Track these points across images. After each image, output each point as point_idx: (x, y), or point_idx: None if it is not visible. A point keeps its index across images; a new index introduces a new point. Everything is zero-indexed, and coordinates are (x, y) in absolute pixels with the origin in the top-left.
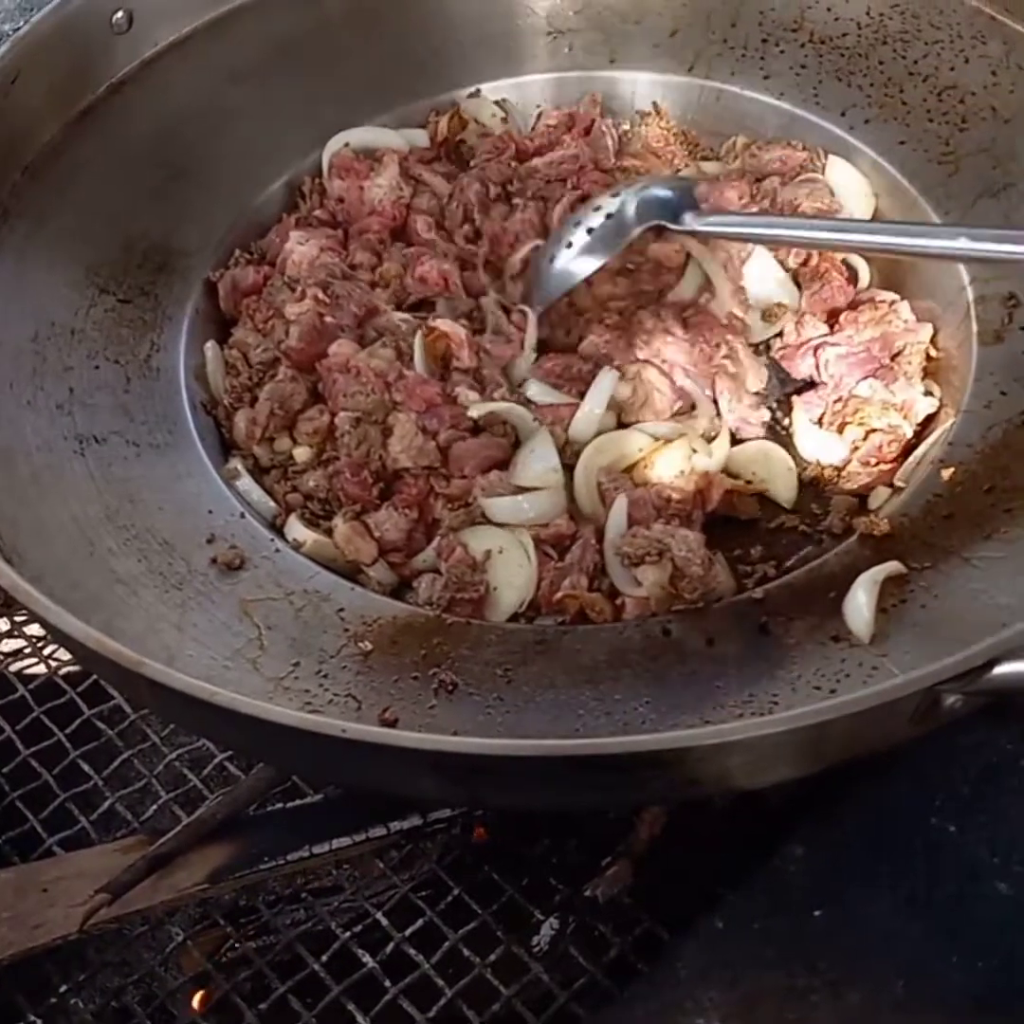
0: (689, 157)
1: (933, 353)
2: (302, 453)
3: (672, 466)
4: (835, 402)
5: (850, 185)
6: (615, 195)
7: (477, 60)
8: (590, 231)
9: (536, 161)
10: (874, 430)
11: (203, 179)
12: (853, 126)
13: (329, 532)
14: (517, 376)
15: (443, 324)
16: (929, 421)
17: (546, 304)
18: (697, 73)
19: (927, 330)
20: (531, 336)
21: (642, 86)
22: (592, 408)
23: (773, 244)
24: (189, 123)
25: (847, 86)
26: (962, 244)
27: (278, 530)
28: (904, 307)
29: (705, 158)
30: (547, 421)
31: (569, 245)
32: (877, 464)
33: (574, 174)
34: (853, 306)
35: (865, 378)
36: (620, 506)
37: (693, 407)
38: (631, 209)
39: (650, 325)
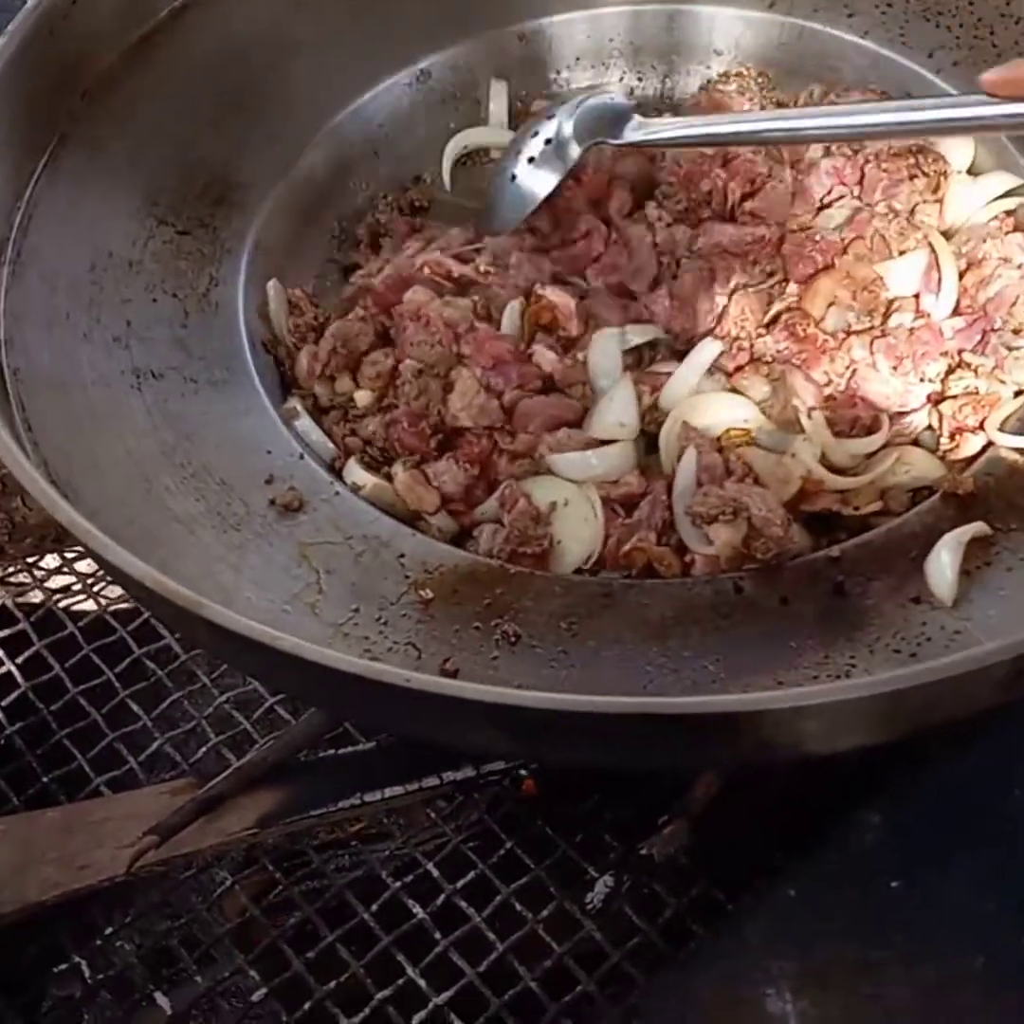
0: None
1: None
2: (363, 397)
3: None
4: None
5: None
6: (550, 117)
7: None
8: (531, 160)
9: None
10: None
11: (264, 109)
12: (940, 68)
13: (389, 477)
14: (621, 346)
15: (553, 295)
16: None
17: (503, 230)
18: (778, 9)
19: None
20: None
21: (722, 21)
22: (686, 375)
23: (721, 144)
24: (251, 51)
25: (935, 27)
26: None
27: (337, 473)
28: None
29: (780, 104)
30: (640, 384)
31: (513, 177)
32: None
33: None
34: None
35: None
36: (689, 460)
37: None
38: (568, 130)
39: (859, 355)
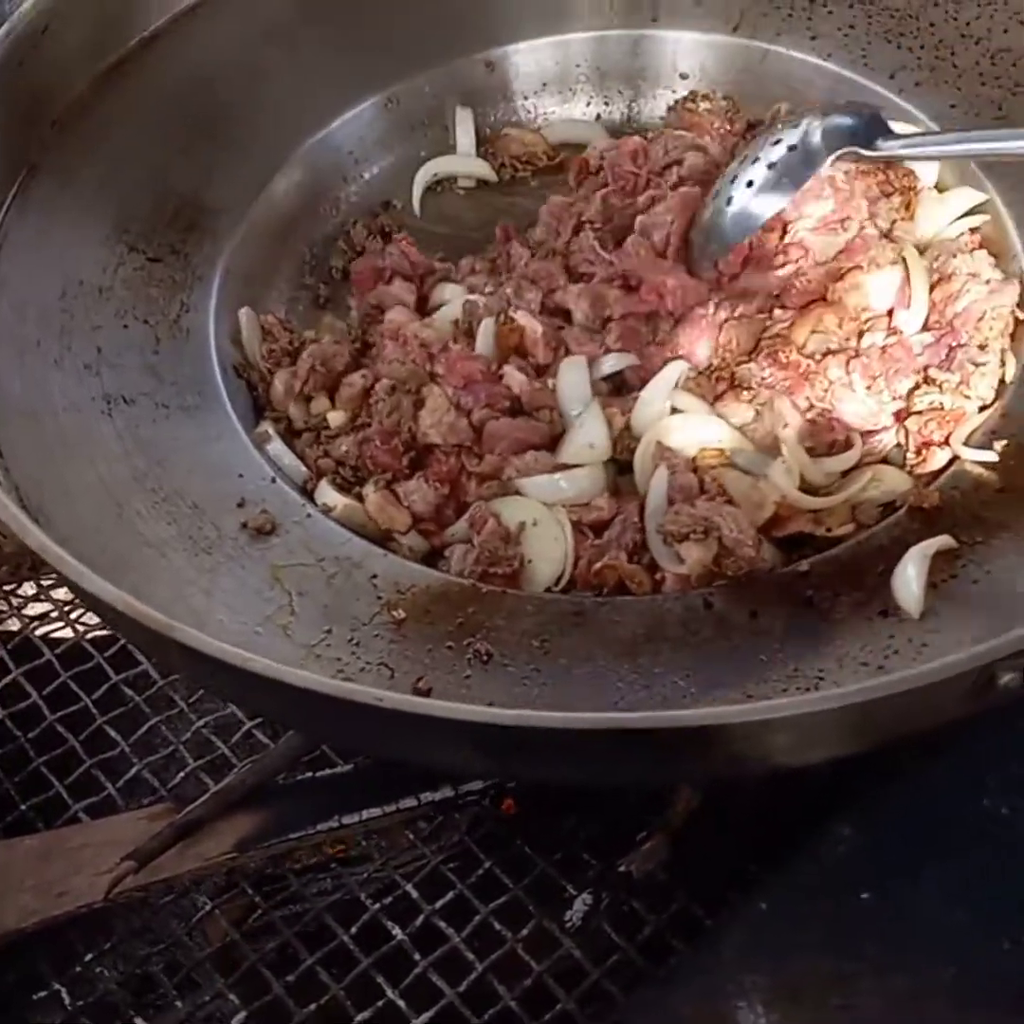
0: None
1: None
2: (337, 417)
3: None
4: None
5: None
6: (795, 125)
7: (516, 17)
8: (771, 166)
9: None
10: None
11: (235, 136)
12: (903, 89)
13: (360, 498)
14: (596, 374)
15: (522, 318)
16: None
17: (726, 252)
18: (742, 33)
19: (1013, 291)
20: None
21: (686, 45)
22: (653, 396)
23: (997, 157)
24: (221, 79)
25: (897, 48)
26: None
27: (309, 495)
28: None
29: (750, 124)
30: (610, 407)
31: (749, 183)
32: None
33: None
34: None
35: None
36: (660, 479)
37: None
38: (817, 138)
39: (835, 375)
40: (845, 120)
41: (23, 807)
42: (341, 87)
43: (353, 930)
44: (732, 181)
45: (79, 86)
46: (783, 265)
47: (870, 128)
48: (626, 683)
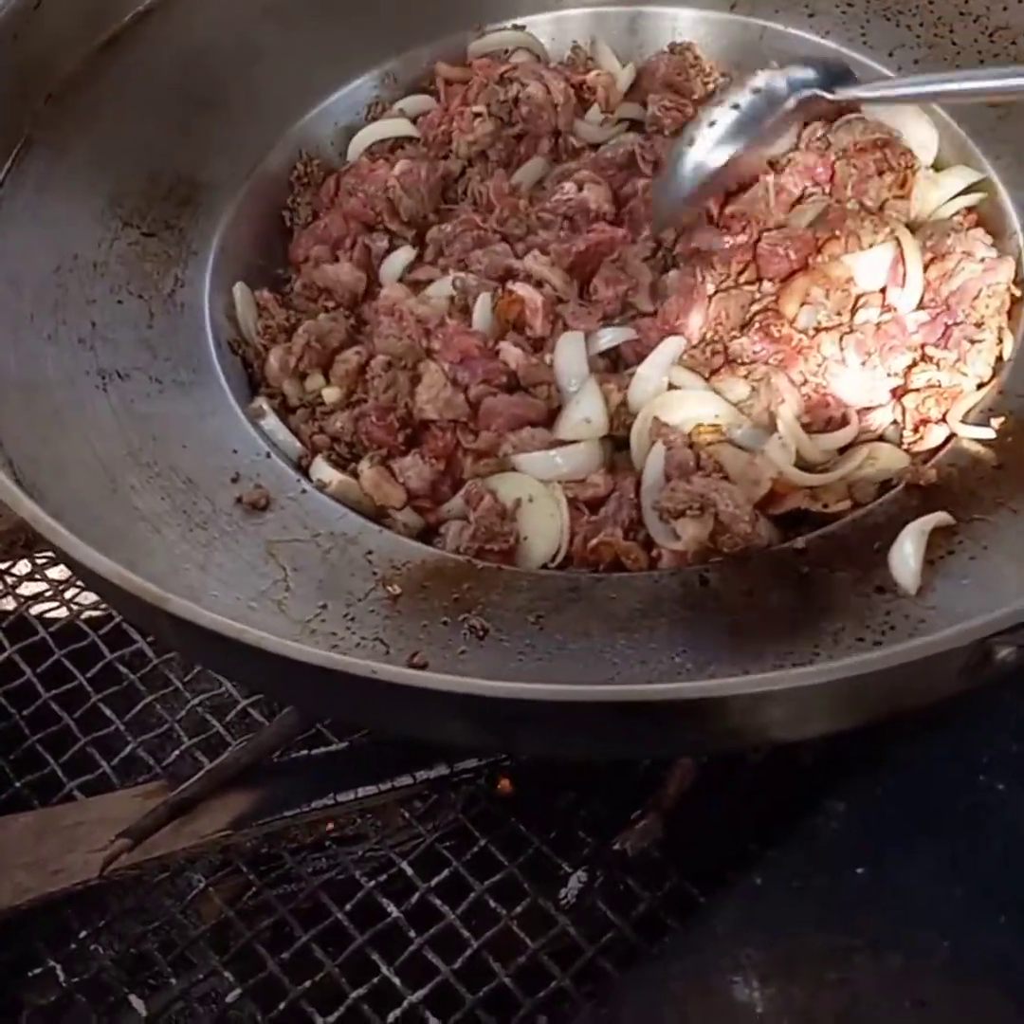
0: (706, 87)
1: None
2: (332, 393)
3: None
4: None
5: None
6: (761, 72)
7: None
8: (736, 107)
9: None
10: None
11: (229, 112)
12: (901, 66)
13: (355, 474)
14: (593, 349)
15: (521, 288)
16: None
17: (682, 196)
18: (740, 10)
19: (1008, 267)
20: None
21: (683, 22)
22: (650, 372)
23: (954, 100)
24: (216, 55)
25: (896, 26)
26: None
27: (304, 471)
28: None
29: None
30: (607, 384)
31: (711, 123)
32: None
33: None
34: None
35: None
36: (657, 455)
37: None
38: (781, 82)
39: (828, 351)
40: (809, 68)
41: (18, 785)
42: (336, 62)
43: (348, 907)
44: (696, 124)
45: (74, 61)
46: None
47: (834, 75)
48: (622, 658)
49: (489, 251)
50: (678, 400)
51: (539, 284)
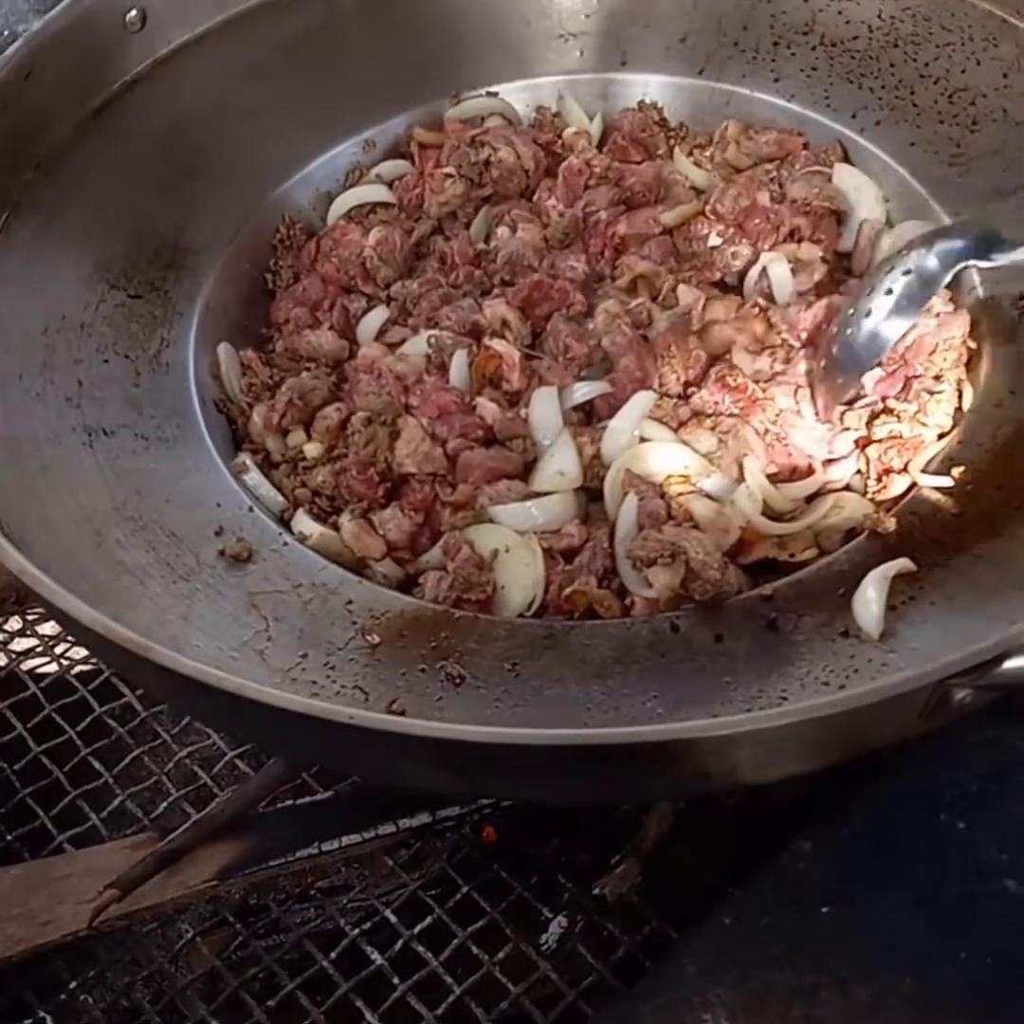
0: (669, 144)
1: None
2: (313, 448)
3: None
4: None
5: (860, 187)
6: (905, 253)
7: (489, 61)
8: (889, 291)
9: None
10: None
11: (214, 177)
12: (864, 128)
13: (336, 527)
14: (567, 403)
15: (498, 345)
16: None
17: (859, 378)
18: (708, 76)
19: (963, 321)
20: None
21: (653, 88)
22: (622, 425)
23: None
24: (201, 122)
25: (858, 88)
26: None
27: (286, 525)
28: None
29: (699, 146)
30: (580, 437)
31: (869, 311)
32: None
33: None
34: None
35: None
36: (630, 505)
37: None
38: (932, 260)
39: (783, 403)
40: (956, 237)
41: (9, 837)
42: (318, 130)
43: (333, 955)
44: (858, 312)
45: (62, 129)
46: None
47: (986, 242)
48: (595, 704)
49: (456, 307)
50: (649, 452)
51: (504, 324)
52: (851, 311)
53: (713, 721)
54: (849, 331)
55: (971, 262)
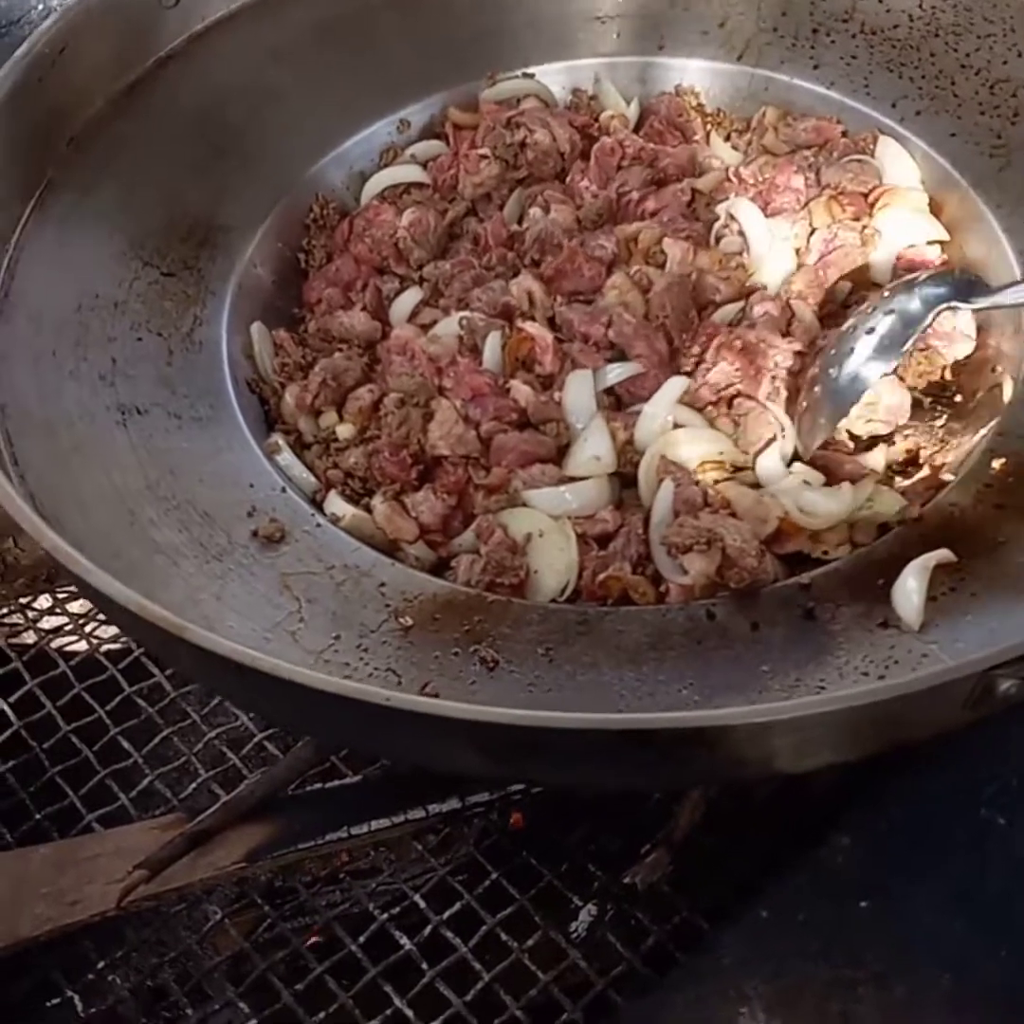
0: (707, 129)
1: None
2: (345, 430)
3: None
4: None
5: (900, 171)
6: (889, 295)
7: (525, 44)
8: (871, 331)
9: None
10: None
11: (248, 155)
12: (904, 117)
13: (368, 509)
14: (599, 385)
15: (531, 327)
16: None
17: (841, 417)
18: (746, 61)
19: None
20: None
21: (690, 73)
22: (656, 411)
23: None
24: (235, 99)
25: (898, 77)
26: None
27: (318, 506)
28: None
29: (737, 132)
30: (613, 421)
31: (850, 351)
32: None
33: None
34: None
35: None
36: (666, 492)
37: None
38: (914, 302)
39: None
40: (938, 282)
41: (38, 816)
42: (352, 109)
43: (361, 940)
44: (841, 352)
45: (96, 105)
46: None
47: (965, 284)
48: (630, 691)
49: (487, 288)
50: (684, 438)
51: (530, 298)
52: (833, 351)
53: (757, 707)
54: (831, 371)
55: (953, 303)
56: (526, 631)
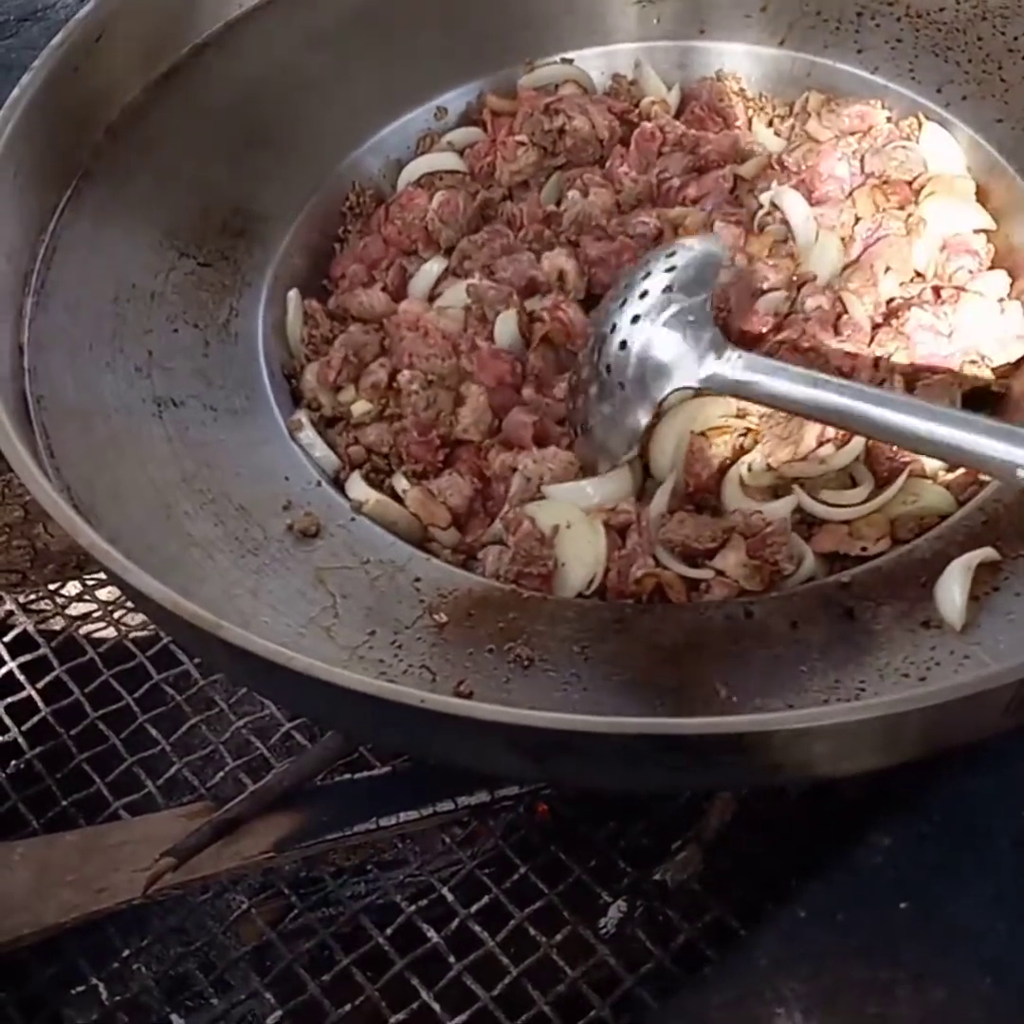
0: (749, 115)
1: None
2: (361, 406)
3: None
4: None
5: (946, 158)
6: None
7: (563, 28)
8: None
9: None
10: None
11: (284, 144)
12: (950, 102)
13: (390, 493)
14: None
15: (569, 311)
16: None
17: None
18: (789, 45)
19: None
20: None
21: (732, 58)
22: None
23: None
24: (272, 87)
25: (944, 61)
26: None
27: (340, 486)
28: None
29: (779, 117)
30: None
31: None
32: None
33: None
34: None
35: None
36: (665, 488)
37: None
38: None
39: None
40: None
41: (65, 803)
42: (388, 97)
43: (388, 932)
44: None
45: (132, 93)
46: None
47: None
48: (666, 690)
49: (515, 259)
50: (700, 408)
51: (561, 276)
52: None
53: (790, 714)
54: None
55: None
56: (561, 629)
